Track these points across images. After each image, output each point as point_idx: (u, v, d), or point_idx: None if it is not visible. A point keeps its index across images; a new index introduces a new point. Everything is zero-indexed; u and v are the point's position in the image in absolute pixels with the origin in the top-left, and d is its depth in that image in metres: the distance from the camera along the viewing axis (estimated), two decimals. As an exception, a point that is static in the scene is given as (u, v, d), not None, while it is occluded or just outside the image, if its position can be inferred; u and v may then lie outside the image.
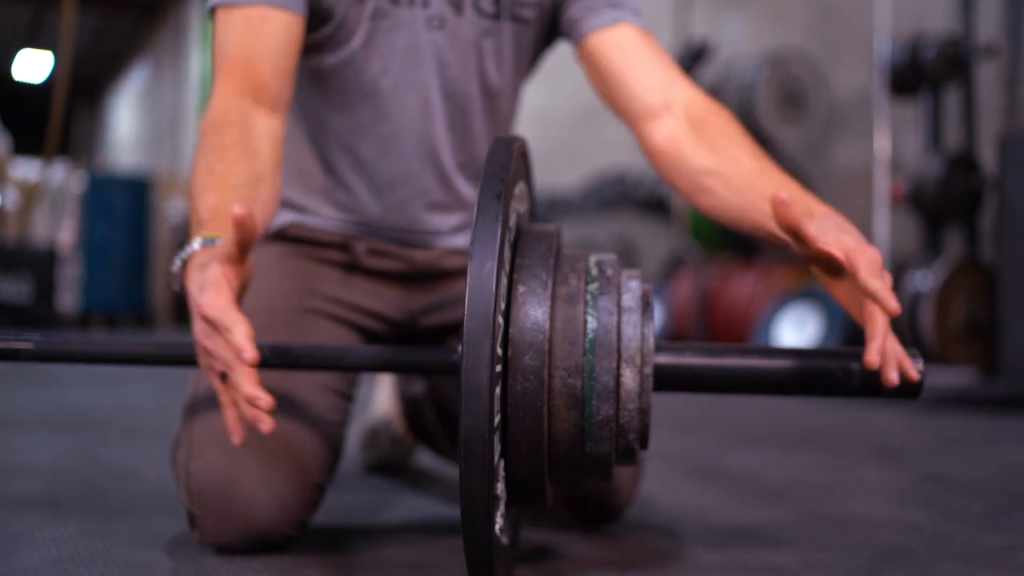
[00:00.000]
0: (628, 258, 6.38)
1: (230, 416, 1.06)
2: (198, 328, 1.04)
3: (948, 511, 1.69)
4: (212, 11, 1.35)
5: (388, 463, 1.95)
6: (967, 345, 3.88)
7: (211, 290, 1.01)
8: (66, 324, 8.67)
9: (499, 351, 1.00)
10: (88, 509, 1.56)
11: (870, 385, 1.12)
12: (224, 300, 1.01)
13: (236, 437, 1.07)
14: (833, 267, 1.05)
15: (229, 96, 1.28)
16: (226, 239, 1.02)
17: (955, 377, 3.60)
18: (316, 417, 1.34)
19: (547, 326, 1.05)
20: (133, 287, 9.01)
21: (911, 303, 3.89)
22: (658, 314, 5.32)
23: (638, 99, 1.37)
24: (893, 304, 1.00)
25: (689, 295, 5.02)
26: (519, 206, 1.16)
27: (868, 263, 1.02)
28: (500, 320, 0.99)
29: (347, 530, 1.46)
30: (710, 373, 1.15)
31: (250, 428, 1.26)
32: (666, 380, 1.14)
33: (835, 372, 1.13)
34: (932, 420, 3.14)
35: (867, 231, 4.50)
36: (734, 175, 1.26)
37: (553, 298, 1.08)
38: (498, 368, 1.00)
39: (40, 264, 8.18)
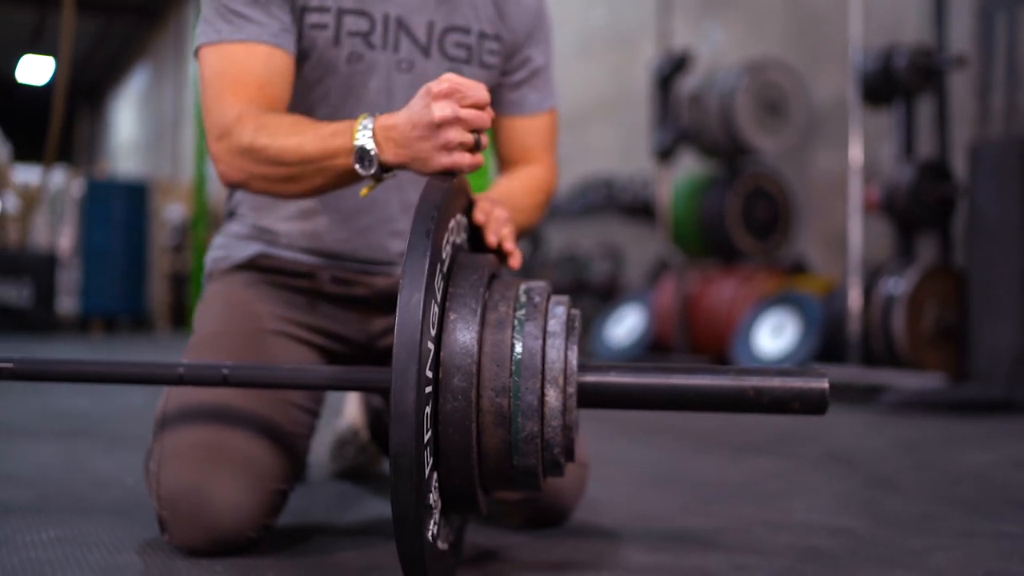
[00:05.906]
0: (615, 262, 6.46)
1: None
2: (438, 116, 1.23)
3: (881, 515, 1.79)
4: (197, 50, 1.45)
5: (356, 470, 2.06)
6: (939, 350, 3.97)
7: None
8: (65, 328, 8.78)
9: (429, 374, 1.10)
10: (68, 515, 1.66)
11: (778, 403, 1.23)
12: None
13: None
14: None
15: (244, 104, 1.39)
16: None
17: (925, 381, 3.67)
18: (277, 429, 1.45)
19: (475, 350, 1.15)
20: (132, 291, 9.10)
21: (884, 308, 3.98)
22: (642, 318, 5.40)
23: (502, 155, 1.73)
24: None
25: (672, 299, 5.10)
26: (456, 238, 1.26)
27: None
28: (430, 345, 1.10)
29: (308, 534, 1.56)
30: (631, 391, 1.25)
31: (216, 445, 1.38)
32: (590, 398, 1.24)
33: (747, 391, 1.23)
34: (894, 425, 3.22)
35: (842, 237, 4.60)
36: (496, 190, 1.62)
37: (482, 324, 1.18)
38: (429, 389, 1.10)
39: (40, 269, 8.26)
